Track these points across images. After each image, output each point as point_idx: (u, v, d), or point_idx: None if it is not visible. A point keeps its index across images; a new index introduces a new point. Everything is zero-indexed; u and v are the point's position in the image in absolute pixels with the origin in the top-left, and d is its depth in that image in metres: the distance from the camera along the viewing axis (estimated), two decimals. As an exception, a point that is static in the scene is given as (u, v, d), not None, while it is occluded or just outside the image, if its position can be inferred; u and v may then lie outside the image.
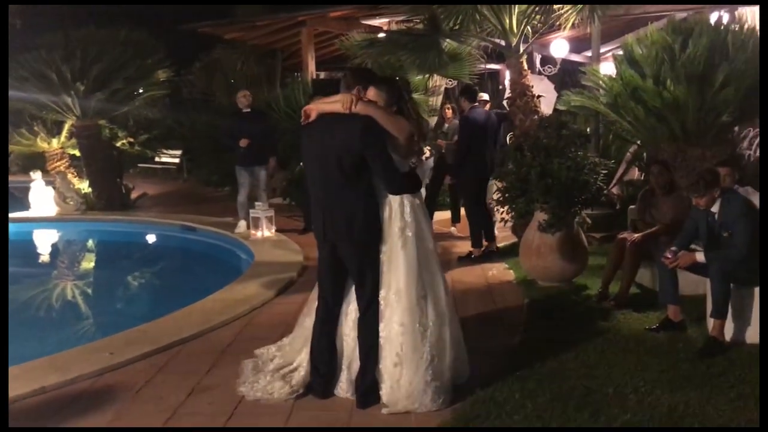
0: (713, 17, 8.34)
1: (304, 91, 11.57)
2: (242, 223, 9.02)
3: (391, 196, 3.80)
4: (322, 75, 15.18)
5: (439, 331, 3.77)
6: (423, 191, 9.38)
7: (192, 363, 4.55)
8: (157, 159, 16.99)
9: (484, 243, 7.51)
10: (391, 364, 3.75)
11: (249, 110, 8.89)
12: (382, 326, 3.78)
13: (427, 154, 9.47)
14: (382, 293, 3.80)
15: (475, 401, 3.77)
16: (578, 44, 12.88)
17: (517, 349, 4.67)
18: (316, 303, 4.04)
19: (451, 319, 3.88)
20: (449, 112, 9.01)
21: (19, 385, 4.09)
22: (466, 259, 7.37)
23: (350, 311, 3.95)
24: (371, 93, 3.80)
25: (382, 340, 3.77)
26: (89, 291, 8.25)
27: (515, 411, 3.65)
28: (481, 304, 5.83)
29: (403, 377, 3.71)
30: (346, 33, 9.17)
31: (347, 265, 3.88)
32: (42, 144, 13.66)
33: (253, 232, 8.68)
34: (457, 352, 3.90)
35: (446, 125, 8.89)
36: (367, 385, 3.80)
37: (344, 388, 3.91)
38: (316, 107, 3.88)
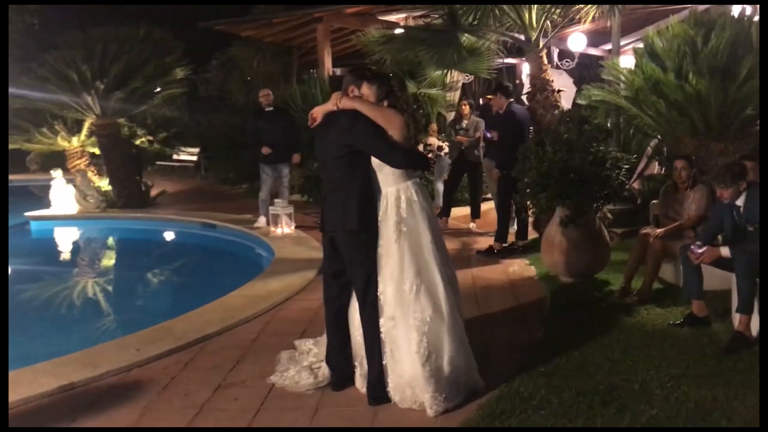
0: (736, 9, 8.24)
1: (321, 87, 11.60)
2: (262, 219, 9.08)
3: (387, 190, 3.82)
4: (339, 71, 15.19)
5: (436, 326, 3.71)
6: (440, 186, 9.50)
7: (217, 359, 4.59)
8: (175, 157, 17.11)
9: (510, 239, 7.48)
10: (390, 358, 3.77)
11: (271, 109, 8.94)
12: (381, 321, 3.80)
13: (446, 149, 9.49)
14: (380, 287, 3.81)
15: (500, 397, 3.77)
16: (596, 37, 12.78)
17: (540, 345, 4.65)
18: None
19: (451, 316, 3.75)
20: (466, 109, 8.99)
21: (48, 381, 4.14)
22: (487, 253, 7.36)
23: (358, 308, 3.99)
24: (364, 89, 3.88)
25: (382, 335, 3.79)
26: (110, 288, 8.32)
27: (541, 406, 3.64)
28: (503, 300, 5.82)
29: (403, 372, 3.72)
30: (362, 29, 9.18)
31: (343, 256, 3.93)
32: (62, 142, 13.81)
33: (272, 228, 8.72)
34: (457, 350, 3.75)
35: (465, 121, 8.86)
36: (372, 381, 3.83)
37: (359, 384, 3.96)
38: (321, 109, 3.97)
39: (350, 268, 3.90)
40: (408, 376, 3.70)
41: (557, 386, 3.88)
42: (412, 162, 3.84)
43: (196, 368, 4.45)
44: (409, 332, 3.71)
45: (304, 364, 4.22)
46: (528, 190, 6.21)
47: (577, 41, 12.68)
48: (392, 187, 3.83)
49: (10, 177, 16.95)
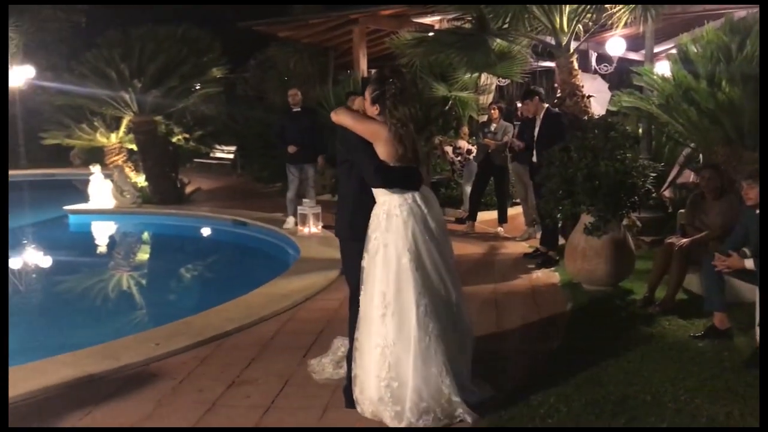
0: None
1: (354, 88, 11.65)
2: (290, 219, 9.16)
3: (377, 205, 3.70)
4: (374, 72, 15.23)
5: (399, 352, 3.54)
6: (469, 189, 9.43)
7: (233, 356, 4.66)
8: (212, 154, 17.36)
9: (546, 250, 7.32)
10: (359, 368, 3.70)
11: (299, 109, 9.02)
12: (356, 334, 3.74)
13: (474, 153, 9.46)
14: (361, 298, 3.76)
15: (509, 404, 3.76)
16: (637, 42, 12.56)
17: (556, 354, 4.62)
18: None
19: (418, 343, 3.51)
20: (496, 112, 8.93)
21: (69, 372, 4.27)
22: (531, 257, 7.33)
23: None
24: (366, 93, 3.75)
25: (355, 344, 3.75)
26: (141, 282, 8.50)
27: (549, 415, 3.62)
28: (524, 307, 5.78)
29: (364, 389, 3.66)
30: (397, 31, 9.20)
31: None
32: (101, 139, 14.13)
33: (300, 228, 8.79)
34: (425, 380, 3.52)
35: (494, 125, 8.80)
36: (346, 384, 3.86)
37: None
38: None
39: (344, 272, 3.96)
40: (369, 395, 3.64)
41: (568, 395, 3.85)
42: (390, 181, 3.61)
43: (212, 364, 4.53)
44: (372, 352, 3.61)
45: (335, 356, 4.33)
46: (552, 196, 6.15)
47: (615, 45, 12.52)
48: (381, 197, 3.69)
49: (54, 171, 17.52)
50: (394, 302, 3.56)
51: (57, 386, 4.13)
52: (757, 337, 4.46)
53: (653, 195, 6.32)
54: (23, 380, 4.14)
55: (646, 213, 7.29)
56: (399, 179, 3.64)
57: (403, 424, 3.51)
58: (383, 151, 3.61)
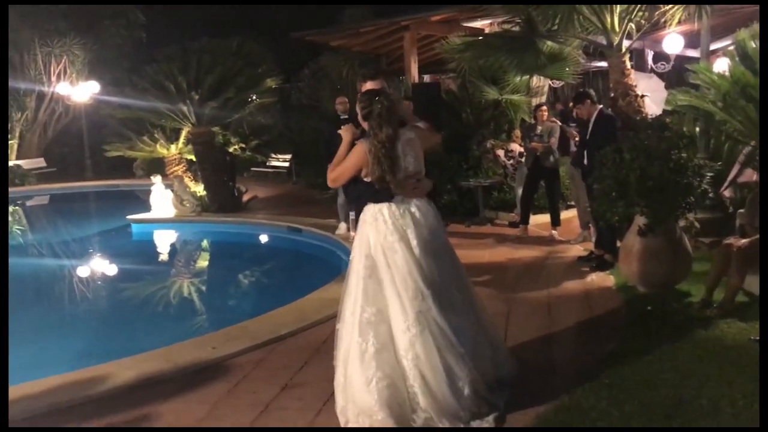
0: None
1: (405, 95, 11.71)
2: (342, 225, 9.26)
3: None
4: (426, 78, 15.26)
5: (389, 356, 3.62)
6: (521, 192, 9.34)
7: (286, 360, 4.76)
8: (268, 163, 17.69)
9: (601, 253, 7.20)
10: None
11: (346, 117, 9.12)
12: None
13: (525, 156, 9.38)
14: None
15: (559, 408, 3.74)
16: (696, 39, 12.18)
17: (608, 357, 4.55)
18: None
19: (358, 346, 3.64)
20: (544, 114, 8.83)
21: (130, 374, 4.44)
22: (586, 260, 7.24)
23: None
24: (357, 110, 3.99)
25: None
26: (200, 288, 8.74)
27: (600, 418, 3.59)
28: (577, 310, 5.72)
29: (348, 390, 3.70)
30: (447, 36, 9.22)
31: None
32: (161, 150, 14.58)
33: (352, 233, 8.85)
34: (360, 385, 3.60)
35: (539, 128, 8.70)
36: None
37: None
38: None
39: None
40: (352, 395, 3.66)
41: (620, 399, 3.80)
42: (344, 189, 3.92)
43: (266, 367, 4.64)
44: (353, 356, 3.69)
45: None
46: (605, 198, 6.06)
47: (672, 43, 12.20)
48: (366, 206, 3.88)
49: (117, 182, 18.15)
50: (378, 314, 3.70)
51: (120, 388, 4.31)
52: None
53: (711, 195, 6.15)
54: (88, 382, 4.34)
55: (704, 213, 7.10)
56: (362, 192, 3.87)
57: (342, 420, 3.64)
58: (350, 160, 3.83)
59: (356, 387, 3.62)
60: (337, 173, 3.89)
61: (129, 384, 4.35)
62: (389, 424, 3.49)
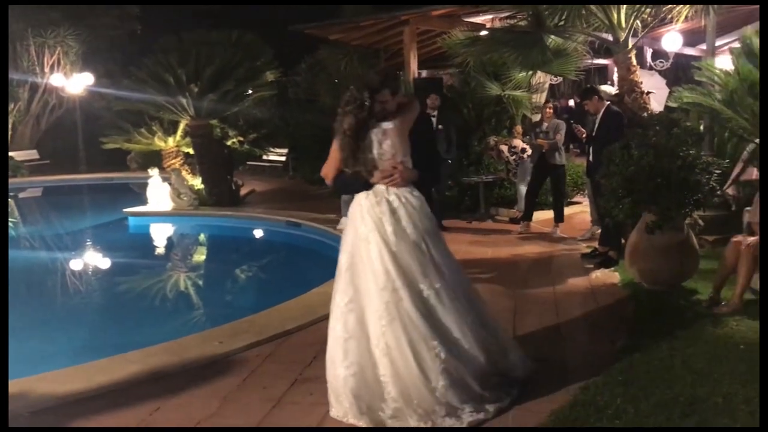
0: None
1: (405, 90, 11.65)
2: (344, 220, 9.17)
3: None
4: (424, 74, 15.21)
5: (358, 345, 3.69)
6: (523, 189, 9.32)
7: (295, 354, 4.71)
8: (265, 157, 17.59)
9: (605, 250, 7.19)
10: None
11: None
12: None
13: (529, 152, 9.36)
14: None
15: (574, 404, 3.71)
16: (693, 37, 12.25)
17: (619, 354, 4.52)
18: None
19: (336, 333, 3.78)
20: (550, 111, 8.80)
21: (136, 369, 4.38)
22: (590, 257, 7.21)
23: None
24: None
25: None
26: (200, 282, 8.68)
27: (616, 416, 3.55)
28: (584, 308, 5.70)
29: (331, 376, 3.79)
30: (448, 31, 9.16)
31: None
32: (159, 142, 14.46)
33: (353, 229, 8.82)
34: (336, 373, 3.73)
35: (545, 124, 8.68)
36: None
37: None
38: None
39: None
40: (332, 381, 3.79)
41: (635, 396, 3.77)
42: (331, 180, 3.96)
43: (275, 362, 4.60)
44: (336, 343, 3.80)
45: None
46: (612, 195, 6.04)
47: (671, 41, 12.21)
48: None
49: (112, 174, 18.02)
50: (356, 302, 3.78)
51: (125, 382, 4.24)
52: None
53: (718, 193, 6.14)
54: (92, 376, 4.28)
55: (708, 211, 7.09)
56: (342, 184, 4.01)
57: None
58: (333, 155, 3.92)
59: (331, 372, 3.77)
60: (324, 168, 3.99)
61: (135, 378, 4.28)
62: (354, 411, 3.61)
